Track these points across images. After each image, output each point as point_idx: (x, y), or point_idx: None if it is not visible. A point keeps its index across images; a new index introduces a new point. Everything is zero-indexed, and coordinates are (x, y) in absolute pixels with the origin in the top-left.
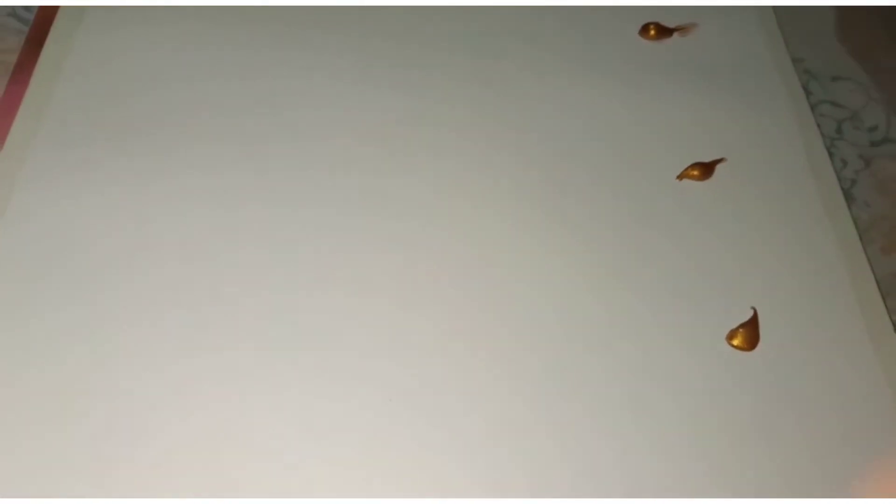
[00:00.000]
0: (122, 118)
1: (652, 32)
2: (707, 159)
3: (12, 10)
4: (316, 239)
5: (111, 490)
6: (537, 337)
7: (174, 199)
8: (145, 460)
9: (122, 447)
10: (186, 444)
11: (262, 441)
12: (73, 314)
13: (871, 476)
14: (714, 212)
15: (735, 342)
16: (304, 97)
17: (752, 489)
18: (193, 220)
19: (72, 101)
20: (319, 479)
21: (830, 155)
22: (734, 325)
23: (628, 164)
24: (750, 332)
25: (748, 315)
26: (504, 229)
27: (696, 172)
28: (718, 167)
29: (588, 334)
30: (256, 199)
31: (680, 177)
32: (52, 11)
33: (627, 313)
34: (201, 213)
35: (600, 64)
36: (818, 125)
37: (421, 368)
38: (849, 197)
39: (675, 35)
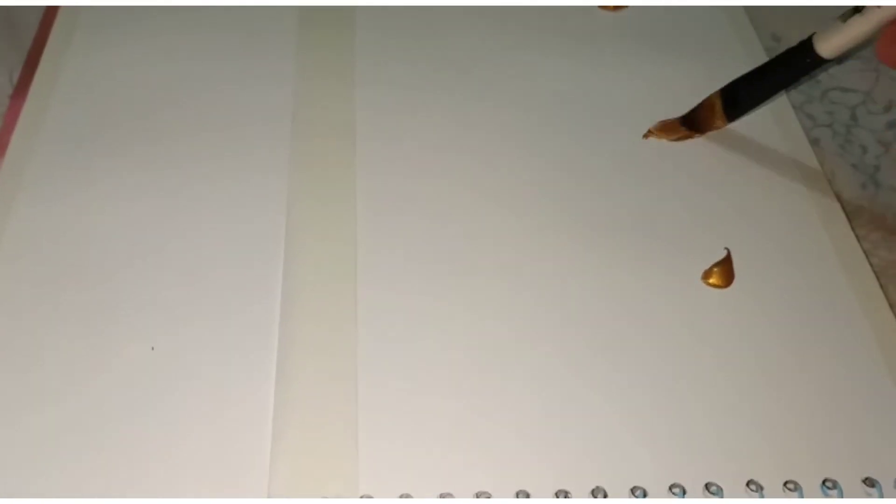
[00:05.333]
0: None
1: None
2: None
3: None
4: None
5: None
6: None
7: (171, 208)
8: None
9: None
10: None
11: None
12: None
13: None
14: (685, 162)
15: (711, 280)
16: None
17: (743, 416)
18: (188, 228)
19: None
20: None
21: (849, 143)
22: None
23: (600, 124)
24: (724, 271)
25: (722, 256)
26: (482, 192)
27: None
28: None
29: (572, 281)
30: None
31: (646, 136)
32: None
33: (605, 255)
34: (199, 221)
35: (566, 35)
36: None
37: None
38: (875, 183)
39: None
